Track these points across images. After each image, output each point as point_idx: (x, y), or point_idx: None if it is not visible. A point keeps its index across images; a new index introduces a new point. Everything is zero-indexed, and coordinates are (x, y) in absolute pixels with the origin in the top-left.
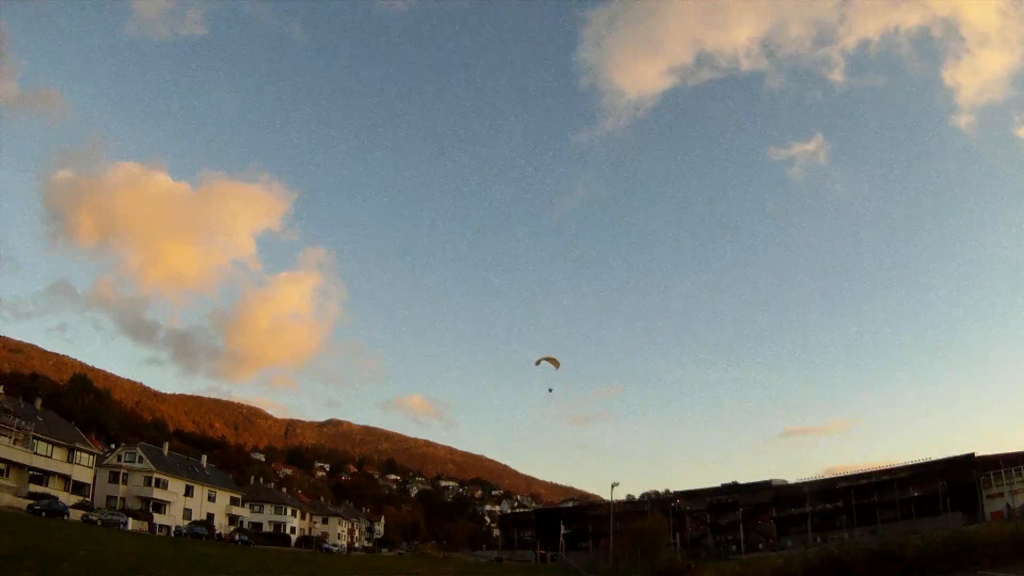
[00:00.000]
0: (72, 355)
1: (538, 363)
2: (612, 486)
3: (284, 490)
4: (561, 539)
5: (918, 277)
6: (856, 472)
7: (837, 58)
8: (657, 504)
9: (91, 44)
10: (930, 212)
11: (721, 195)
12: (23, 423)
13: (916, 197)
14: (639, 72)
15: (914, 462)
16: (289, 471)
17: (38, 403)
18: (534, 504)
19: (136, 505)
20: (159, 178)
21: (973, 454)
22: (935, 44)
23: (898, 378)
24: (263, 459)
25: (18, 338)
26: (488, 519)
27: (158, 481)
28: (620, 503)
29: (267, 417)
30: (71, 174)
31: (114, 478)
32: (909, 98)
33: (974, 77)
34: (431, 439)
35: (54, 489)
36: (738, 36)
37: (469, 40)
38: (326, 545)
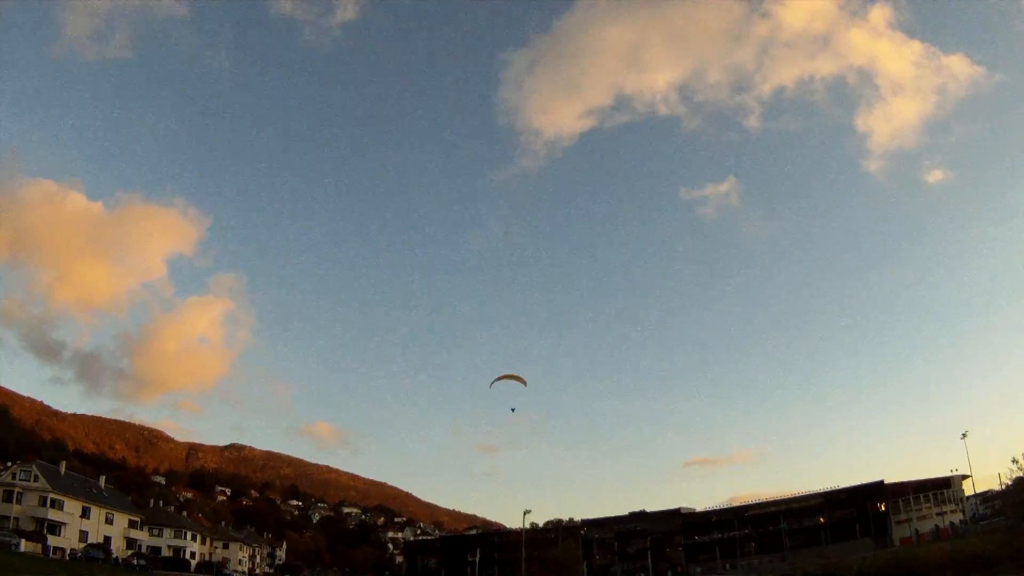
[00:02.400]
0: None
1: (492, 384)
2: (524, 513)
3: (185, 514)
4: (468, 567)
5: (825, 314)
6: (764, 500)
7: (753, 104)
8: (565, 532)
9: (13, 61)
10: (840, 252)
11: (633, 232)
12: None
13: (827, 238)
14: (557, 113)
15: (823, 490)
16: (190, 495)
17: None
18: (437, 532)
19: (30, 526)
20: (74, 197)
21: (882, 481)
22: (850, 91)
23: (803, 409)
24: (164, 482)
25: None
26: (391, 546)
27: (54, 501)
28: (528, 531)
29: (169, 440)
30: None
31: (7, 497)
32: (822, 143)
33: (886, 124)
34: (334, 465)
35: None
36: (657, 81)
37: (392, 77)
38: (227, 571)
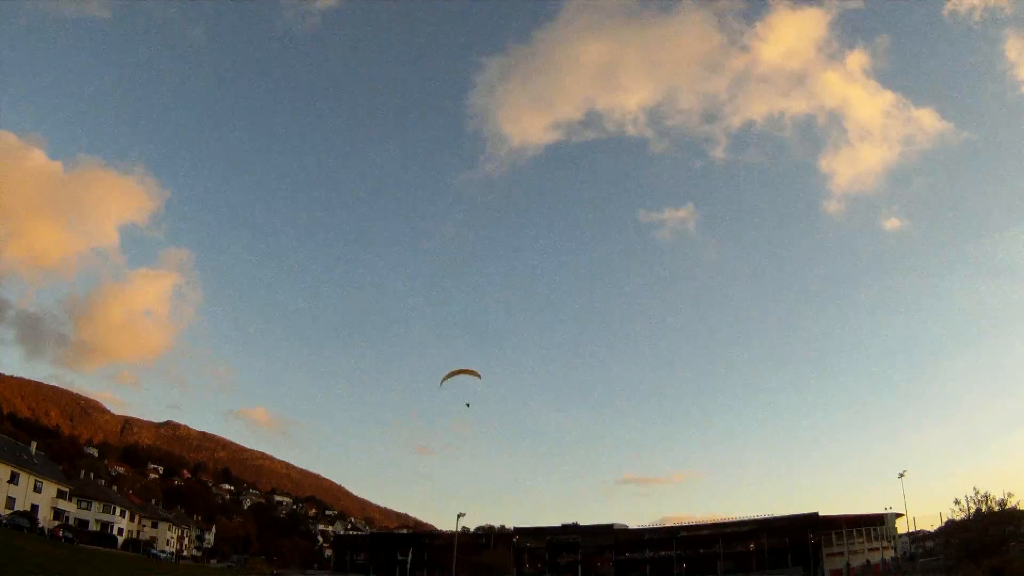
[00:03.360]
0: None
1: (443, 382)
2: (458, 516)
3: (115, 489)
4: (397, 566)
5: (770, 345)
6: (699, 523)
7: (720, 135)
8: (497, 539)
9: None
10: (791, 286)
11: (590, 247)
12: None
13: (779, 271)
14: (526, 122)
15: (759, 517)
16: (122, 469)
17: None
18: (368, 528)
19: None
20: (35, 153)
21: (817, 513)
22: (818, 132)
23: (741, 436)
24: (96, 454)
25: None
26: (321, 539)
27: None
28: (460, 535)
29: (105, 412)
30: None
31: None
32: (785, 179)
33: (850, 167)
34: (268, 452)
35: None
36: (629, 101)
37: (367, 68)
38: (154, 551)
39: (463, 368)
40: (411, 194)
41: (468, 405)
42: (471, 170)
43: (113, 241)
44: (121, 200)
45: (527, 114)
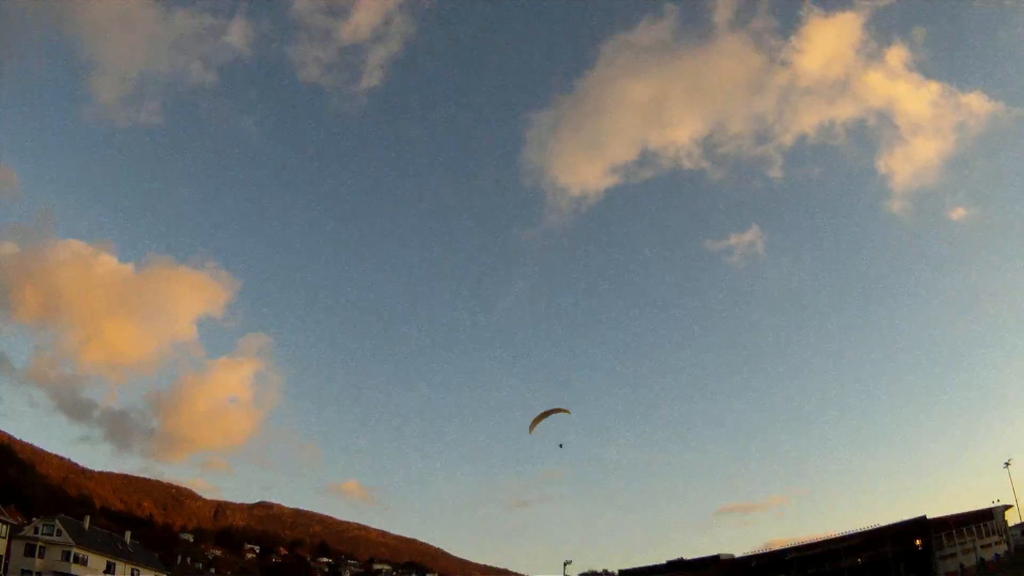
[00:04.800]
0: (1, 428)
1: (533, 429)
2: (565, 564)
3: (213, 571)
4: None
5: (856, 354)
6: (804, 543)
7: (775, 154)
8: None
9: (47, 124)
10: (868, 292)
11: (658, 283)
12: None
13: (854, 279)
14: (582, 171)
15: (864, 528)
16: (218, 552)
17: None
18: None
19: None
20: (105, 258)
21: (924, 516)
22: (870, 134)
23: (836, 450)
24: (191, 539)
25: None
26: None
27: (76, 556)
28: None
29: (197, 498)
30: (16, 248)
31: (30, 551)
32: (845, 187)
33: (907, 164)
34: (364, 522)
35: None
36: (680, 135)
37: (418, 141)
38: None
39: (550, 408)
40: (479, 258)
41: (561, 446)
42: (535, 225)
43: (191, 334)
44: (195, 294)
45: (582, 162)
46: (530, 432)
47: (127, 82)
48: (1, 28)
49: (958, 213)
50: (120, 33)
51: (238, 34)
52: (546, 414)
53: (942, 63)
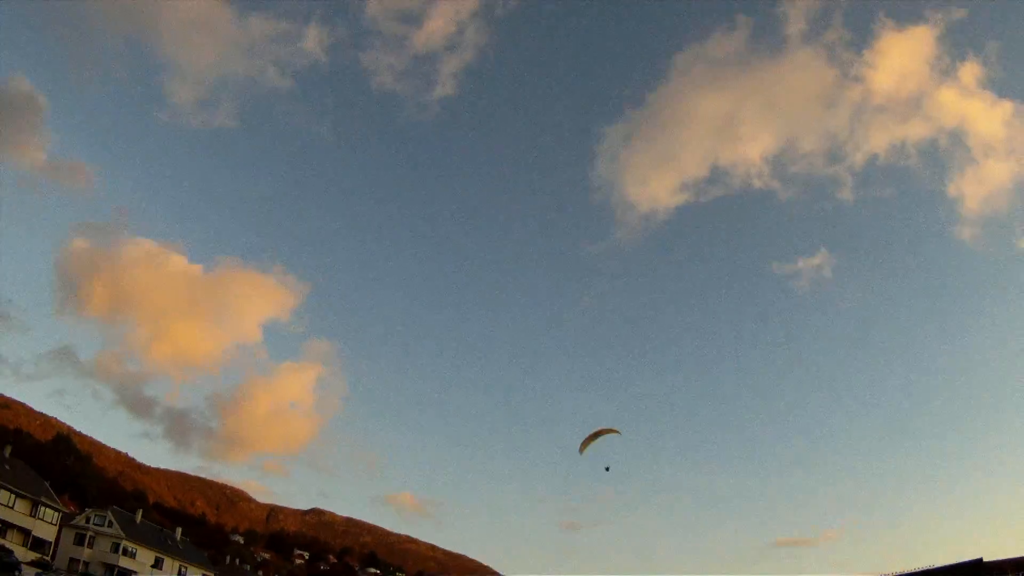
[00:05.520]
0: (63, 419)
1: (583, 450)
2: None
3: (261, 574)
4: None
5: (921, 383)
6: None
7: (845, 174)
8: None
9: (124, 124)
10: (934, 322)
11: (724, 305)
12: None
13: (920, 307)
14: (653, 186)
15: (920, 569)
16: (268, 555)
17: (7, 450)
18: None
19: (99, 571)
20: (175, 258)
21: (981, 559)
22: (941, 155)
23: (895, 484)
24: (242, 541)
25: (15, 396)
26: None
27: (126, 549)
28: None
29: (250, 500)
30: (88, 244)
31: (79, 540)
32: (914, 210)
33: (979, 187)
34: (414, 535)
35: (11, 543)
36: (751, 151)
37: (489, 151)
38: None
39: (601, 428)
40: (548, 271)
41: (608, 469)
42: (604, 240)
43: (256, 337)
44: (262, 297)
45: (652, 177)
46: (580, 452)
47: (203, 85)
48: (82, 30)
49: None
50: (197, 37)
51: (313, 39)
52: (597, 434)
53: (1017, 80)
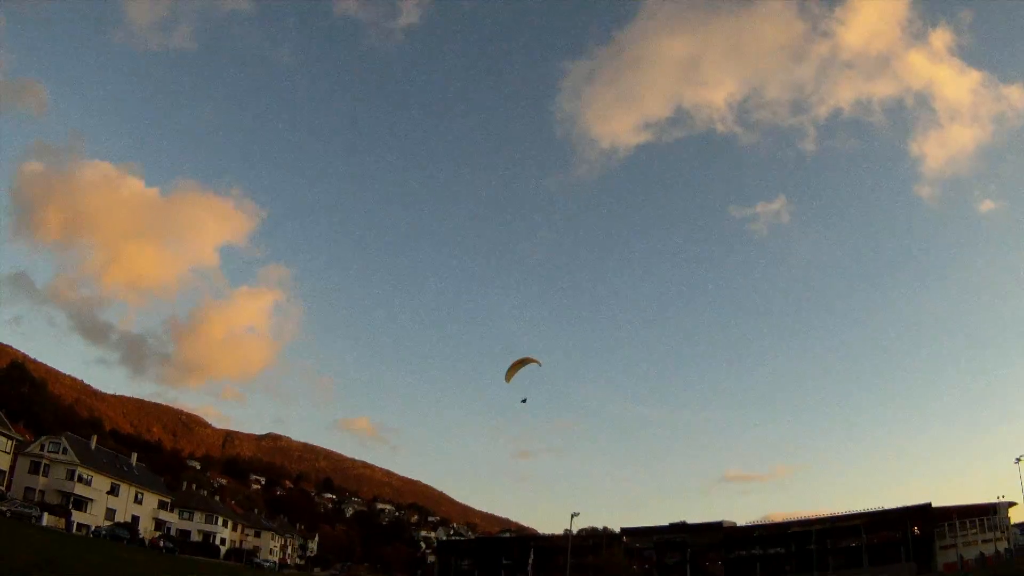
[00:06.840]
0: (17, 346)
1: (509, 377)
2: (572, 516)
3: (218, 499)
4: (503, 570)
5: (873, 332)
6: (809, 518)
7: (809, 125)
8: (603, 540)
9: (79, 44)
10: (890, 273)
11: (682, 246)
12: None
13: (876, 258)
14: (614, 124)
15: (869, 510)
16: (224, 481)
17: None
18: (470, 533)
19: (55, 499)
20: (131, 181)
21: (930, 504)
22: (906, 114)
23: (846, 428)
24: (198, 467)
25: None
26: (423, 545)
27: (81, 476)
28: (563, 537)
29: (206, 426)
30: (43, 167)
31: (34, 468)
32: (876, 166)
33: (941, 149)
34: (370, 461)
35: None
36: (716, 96)
37: (452, 81)
38: (257, 559)
39: (524, 358)
40: (505, 202)
41: (524, 400)
42: (563, 174)
43: (213, 262)
44: (219, 221)
45: (615, 115)
46: (506, 381)
47: (161, 5)
48: None
49: (987, 205)
50: None
51: None
52: (521, 363)
53: (986, 50)
